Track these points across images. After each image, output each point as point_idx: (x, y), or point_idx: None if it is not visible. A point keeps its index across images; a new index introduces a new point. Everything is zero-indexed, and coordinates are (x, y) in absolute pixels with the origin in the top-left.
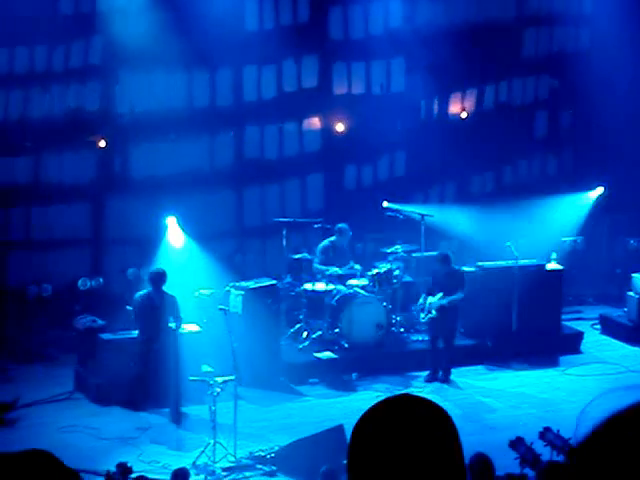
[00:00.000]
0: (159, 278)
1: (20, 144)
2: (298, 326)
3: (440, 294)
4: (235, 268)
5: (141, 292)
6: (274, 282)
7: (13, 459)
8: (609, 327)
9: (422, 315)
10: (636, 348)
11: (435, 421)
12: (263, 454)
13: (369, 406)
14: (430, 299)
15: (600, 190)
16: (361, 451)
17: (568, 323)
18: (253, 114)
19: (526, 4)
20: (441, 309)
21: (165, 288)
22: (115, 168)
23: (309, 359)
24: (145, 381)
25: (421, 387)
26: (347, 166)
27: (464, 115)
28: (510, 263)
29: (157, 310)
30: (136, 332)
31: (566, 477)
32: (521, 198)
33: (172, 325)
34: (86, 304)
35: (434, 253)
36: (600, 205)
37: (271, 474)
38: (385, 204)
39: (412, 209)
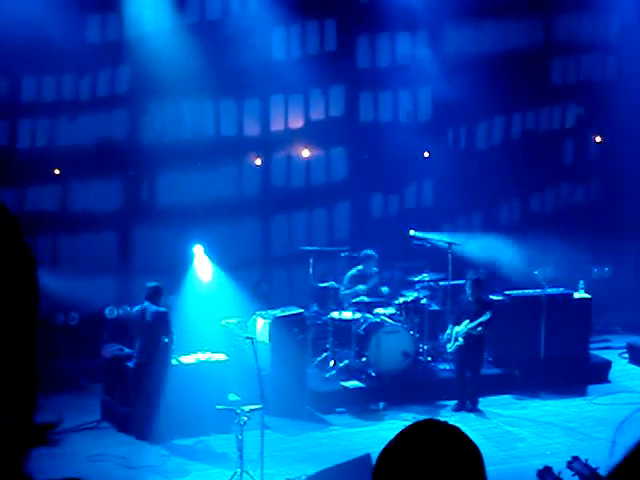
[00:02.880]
0: (154, 293)
1: (48, 172)
2: (325, 355)
3: (466, 321)
4: (262, 297)
5: (136, 308)
6: (301, 311)
7: None
8: (637, 356)
9: (449, 345)
10: None
11: (459, 447)
12: None
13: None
14: (457, 328)
15: (627, 219)
16: (385, 476)
17: (596, 352)
18: (280, 143)
19: (553, 32)
20: (468, 337)
21: (162, 304)
22: (142, 197)
23: (336, 388)
24: (158, 405)
25: (448, 416)
26: (374, 195)
27: (491, 144)
28: (538, 292)
29: (149, 325)
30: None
31: None
32: (548, 226)
33: (165, 340)
34: (113, 333)
35: (461, 282)
36: (627, 234)
37: None
38: (412, 232)
39: (439, 237)
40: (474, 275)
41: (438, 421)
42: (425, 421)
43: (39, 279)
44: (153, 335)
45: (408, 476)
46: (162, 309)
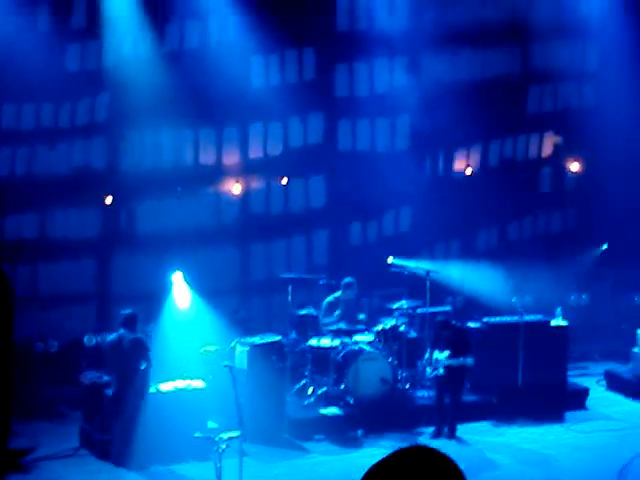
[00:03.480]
0: (130, 320)
1: (27, 200)
2: (303, 382)
3: (447, 352)
4: (240, 324)
5: (111, 335)
6: (279, 338)
7: None
8: (615, 383)
9: (429, 370)
10: None
11: (445, 474)
12: None
13: (373, 463)
14: (437, 354)
15: (604, 247)
16: None
17: (574, 379)
18: (259, 170)
19: (531, 61)
20: (449, 368)
21: (138, 331)
22: (121, 224)
23: (314, 415)
24: (136, 432)
25: (426, 443)
26: (352, 222)
27: (469, 172)
28: (515, 319)
29: (126, 353)
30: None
31: None
32: (526, 254)
33: (142, 366)
34: (92, 360)
35: (439, 309)
36: (604, 261)
37: None
38: (390, 260)
39: (417, 265)
40: (441, 318)
41: (424, 446)
42: (411, 446)
43: (15, 307)
44: (130, 362)
45: None
46: (138, 336)
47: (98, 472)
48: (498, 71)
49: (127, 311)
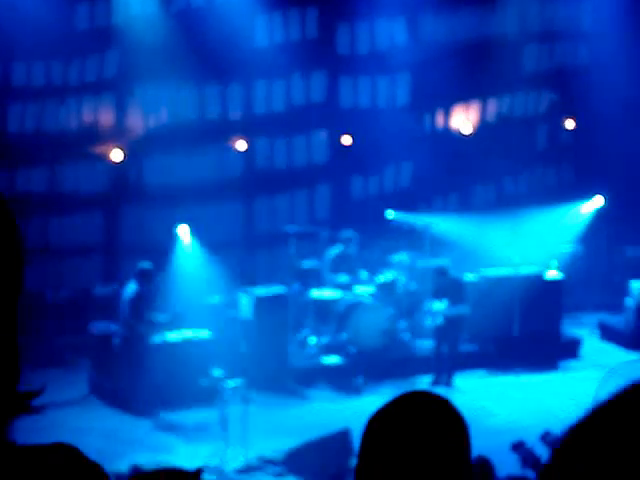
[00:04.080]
0: (143, 274)
1: (36, 155)
2: (306, 332)
3: (445, 301)
4: (245, 275)
5: (131, 288)
6: (283, 289)
7: (39, 451)
8: (608, 333)
9: (429, 319)
10: (633, 353)
11: (447, 418)
12: (272, 456)
13: (374, 409)
14: (436, 304)
15: (599, 200)
16: (371, 447)
17: (568, 329)
18: (263, 127)
19: (527, 19)
20: (447, 317)
21: (150, 284)
22: (129, 179)
23: (317, 364)
24: (144, 380)
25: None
26: (354, 177)
27: (467, 128)
28: (511, 271)
29: (132, 303)
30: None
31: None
32: (522, 208)
33: (160, 318)
34: (101, 310)
35: (437, 261)
36: (599, 215)
37: (280, 476)
38: (390, 213)
39: (416, 218)
40: (439, 265)
41: (428, 392)
42: (415, 391)
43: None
44: (136, 312)
45: (396, 445)
46: (138, 288)
47: (107, 418)
48: (495, 30)
49: (144, 264)
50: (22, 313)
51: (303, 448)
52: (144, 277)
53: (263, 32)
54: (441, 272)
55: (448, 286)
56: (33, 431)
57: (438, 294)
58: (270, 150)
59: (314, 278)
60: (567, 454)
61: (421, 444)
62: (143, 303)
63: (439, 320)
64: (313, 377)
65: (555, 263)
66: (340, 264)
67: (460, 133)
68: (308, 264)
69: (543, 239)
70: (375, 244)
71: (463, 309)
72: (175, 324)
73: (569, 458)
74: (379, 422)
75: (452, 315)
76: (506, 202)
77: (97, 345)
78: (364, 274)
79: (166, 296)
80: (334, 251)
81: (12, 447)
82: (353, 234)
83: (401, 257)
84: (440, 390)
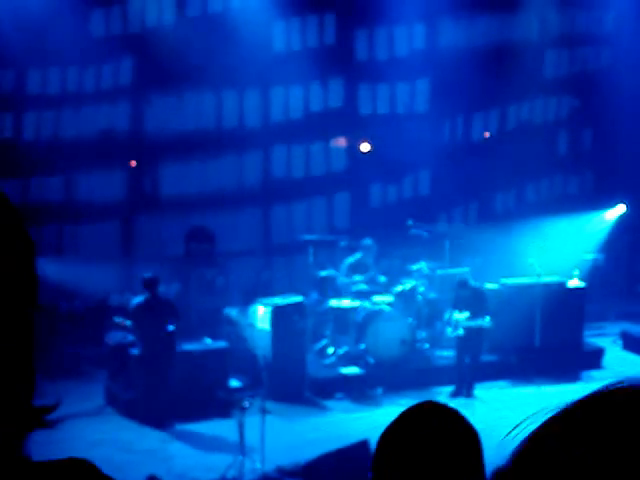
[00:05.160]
0: (152, 283)
1: (52, 163)
2: (324, 342)
3: (467, 313)
4: (263, 285)
5: (138, 298)
6: (301, 299)
7: (53, 466)
8: (630, 343)
9: (449, 330)
10: None
11: (458, 430)
12: (290, 468)
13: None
14: (456, 315)
15: (621, 208)
16: (385, 458)
17: (590, 339)
18: (280, 134)
19: (548, 24)
20: (468, 328)
21: (161, 292)
22: (145, 187)
23: (335, 374)
24: (161, 391)
25: (445, 402)
26: (372, 185)
27: (487, 135)
28: (533, 280)
29: (154, 314)
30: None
31: None
32: (543, 216)
33: (171, 328)
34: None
35: (458, 270)
36: (621, 223)
37: None
38: (410, 222)
39: (436, 227)
40: (460, 277)
41: (437, 403)
42: (425, 403)
43: (39, 267)
44: (158, 323)
45: (408, 457)
46: (167, 297)
47: (123, 429)
48: (515, 35)
49: (148, 274)
50: (36, 324)
51: (321, 460)
52: (153, 286)
53: (281, 38)
54: (463, 284)
55: (470, 297)
56: (48, 444)
57: (459, 305)
58: (288, 158)
59: (332, 287)
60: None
61: (433, 455)
62: (154, 313)
63: (461, 331)
64: (331, 387)
65: (577, 272)
66: (357, 272)
67: (480, 140)
68: (326, 273)
69: (564, 248)
70: (394, 253)
71: (485, 322)
72: (187, 335)
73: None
74: (391, 435)
75: (474, 327)
76: (527, 210)
77: (113, 356)
78: (383, 278)
79: (181, 306)
80: (350, 259)
81: (27, 463)
82: (371, 243)
83: (420, 266)
84: (461, 401)
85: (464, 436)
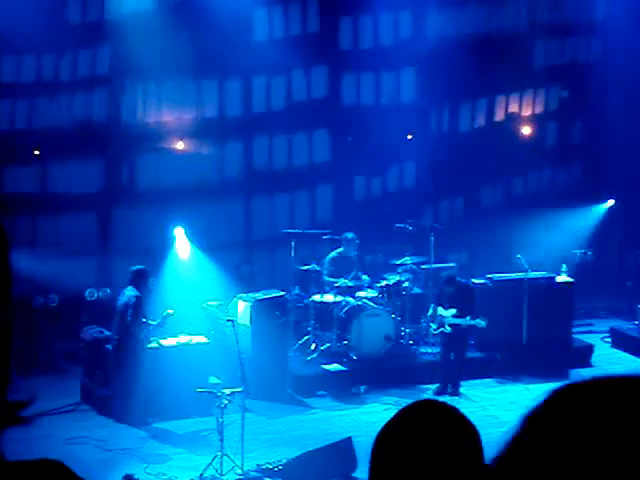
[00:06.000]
0: (138, 276)
1: (27, 153)
2: (306, 338)
3: (453, 310)
4: (243, 279)
5: (127, 292)
6: (282, 293)
7: (25, 467)
8: (620, 340)
9: (433, 326)
10: None
11: (459, 429)
12: (271, 467)
13: (377, 419)
14: (441, 311)
15: (610, 202)
16: (384, 459)
17: (579, 336)
18: (262, 124)
19: (537, 14)
20: (455, 325)
21: (146, 286)
22: (122, 178)
23: (317, 371)
24: (138, 387)
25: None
26: (356, 177)
27: (474, 126)
28: (520, 275)
29: (125, 308)
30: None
31: None
32: (531, 210)
33: (152, 322)
34: (93, 315)
35: (443, 265)
36: (610, 218)
37: None
38: (394, 215)
39: (421, 220)
40: (447, 273)
41: (435, 401)
42: (423, 401)
43: (13, 260)
44: (128, 318)
45: (408, 458)
46: (137, 293)
47: (99, 427)
48: (504, 24)
49: (135, 267)
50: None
51: (303, 458)
52: (140, 279)
53: (262, 26)
54: (449, 280)
55: (454, 294)
56: (24, 441)
57: (444, 300)
58: (269, 149)
59: (315, 282)
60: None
61: (433, 455)
62: (142, 307)
63: (447, 328)
64: (313, 384)
65: (565, 267)
66: (339, 267)
67: (467, 131)
68: (308, 267)
69: (552, 242)
70: (378, 247)
71: (478, 321)
72: (166, 328)
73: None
74: (389, 435)
75: (460, 324)
76: (514, 203)
77: (89, 351)
78: (366, 278)
79: (161, 300)
80: (333, 254)
81: None
82: (353, 236)
83: (405, 260)
84: (446, 399)
85: (465, 435)
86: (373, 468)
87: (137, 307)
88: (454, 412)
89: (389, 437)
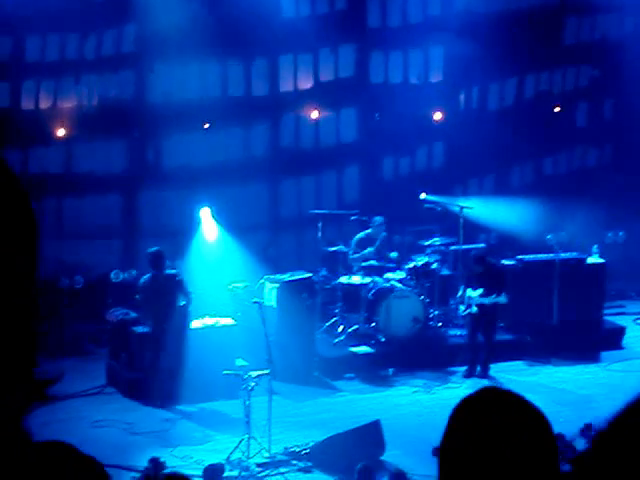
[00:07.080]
0: (157, 258)
1: (52, 134)
2: (333, 320)
3: (480, 290)
4: (270, 261)
5: (145, 276)
6: (309, 275)
7: (36, 449)
8: None
9: (462, 307)
10: None
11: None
12: (298, 450)
13: (406, 402)
14: (470, 292)
15: None
16: (458, 442)
17: (610, 318)
18: (289, 104)
19: None
20: (482, 306)
21: (169, 270)
22: (148, 158)
23: (345, 353)
24: (168, 372)
25: (459, 383)
26: (384, 157)
27: (503, 105)
28: (551, 257)
29: (164, 290)
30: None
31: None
32: (561, 190)
33: (182, 303)
34: (119, 296)
35: (472, 246)
36: None
37: (306, 470)
38: (423, 196)
39: (450, 201)
40: (477, 253)
41: (500, 389)
42: (487, 389)
43: (40, 241)
44: (168, 300)
45: (483, 449)
46: (174, 272)
47: (125, 410)
48: (534, 1)
49: (153, 249)
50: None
51: (330, 441)
52: (158, 261)
53: (289, 4)
54: (478, 260)
55: (484, 274)
56: (50, 424)
57: (473, 281)
58: (296, 129)
59: (342, 263)
60: (603, 448)
61: (506, 448)
62: (175, 288)
63: (474, 308)
64: (341, 367)
65: (596, 248)
66: (366, 248)
67: (497, 110)
68: (335, 248)
69: (584, 223)
70: (406, 228)
71: (500, 298)
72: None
73: (605, 451)
74: (458, 427)
75: (487, 304)
76: (545, 183)
77: (115, 333)
78: (394, 254)
79: (187, 281)
80: (361, 235)
81: (10, 446)
82: (382, 221)
83: (434, 241)
84: (475, 381)
85: (536, 426)
86: (445, 463)
87: (183, 286)
88: (522, 401)
89: (458, 430)
